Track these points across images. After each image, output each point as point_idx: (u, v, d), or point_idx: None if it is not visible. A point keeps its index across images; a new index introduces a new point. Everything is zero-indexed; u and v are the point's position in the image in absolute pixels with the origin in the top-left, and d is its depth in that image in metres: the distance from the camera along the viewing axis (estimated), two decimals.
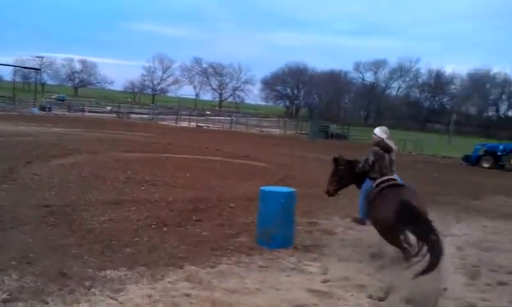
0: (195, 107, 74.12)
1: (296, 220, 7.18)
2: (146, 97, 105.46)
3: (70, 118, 36.92)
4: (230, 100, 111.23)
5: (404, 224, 5.54)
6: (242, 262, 6.07)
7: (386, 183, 6.30)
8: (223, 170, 14.73)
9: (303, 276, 5.74)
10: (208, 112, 67.45)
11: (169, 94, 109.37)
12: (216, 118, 54.30)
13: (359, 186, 6.87)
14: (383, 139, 6.62)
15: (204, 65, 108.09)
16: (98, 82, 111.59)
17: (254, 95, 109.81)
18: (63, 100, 59.89)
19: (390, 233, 5.89)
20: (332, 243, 7.35)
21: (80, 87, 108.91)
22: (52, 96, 59.98)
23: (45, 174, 10.79)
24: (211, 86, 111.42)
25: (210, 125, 44.93)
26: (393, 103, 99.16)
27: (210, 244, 6.67)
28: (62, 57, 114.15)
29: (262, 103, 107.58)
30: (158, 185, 10.88)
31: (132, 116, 47.42)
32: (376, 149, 6.55)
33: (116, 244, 6.30)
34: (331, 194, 7.15)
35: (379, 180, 6.39)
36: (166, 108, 60.65)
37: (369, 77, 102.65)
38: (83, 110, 45.04)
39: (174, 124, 42.38)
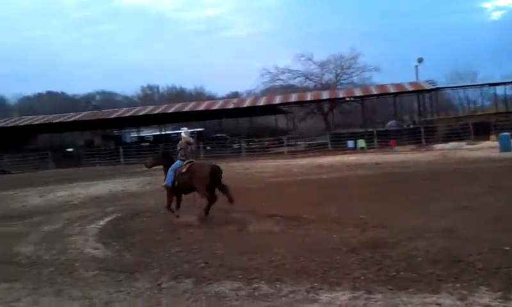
0: None
1: None
2: None
3: None
4: None
5: (212, 179, 9.99)
6: None
7: (192, 162, 10.42)
8: None
9: None
10: None
11: None
12: None
13: (167, 168, 10.64)
14: (184, 138, 10.70)
15: None
16: None
17: None
18: None
19: (206, 186, 9.91)
20: None
21: None
22: None
23: None
24: None
25: None
26: None
27: None
28: None
29: None
30: None
31: None
32: (183, 142, 10.58)
33: None
34: (149, 167, 11.57)
35: (187, 161, 10.39)
36: None
37: None
38: None
39: None
